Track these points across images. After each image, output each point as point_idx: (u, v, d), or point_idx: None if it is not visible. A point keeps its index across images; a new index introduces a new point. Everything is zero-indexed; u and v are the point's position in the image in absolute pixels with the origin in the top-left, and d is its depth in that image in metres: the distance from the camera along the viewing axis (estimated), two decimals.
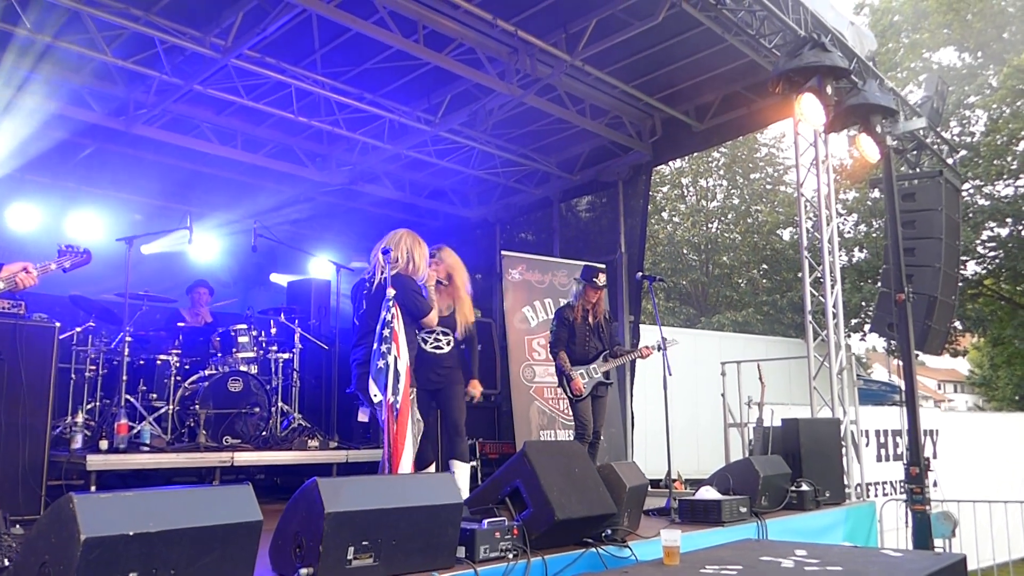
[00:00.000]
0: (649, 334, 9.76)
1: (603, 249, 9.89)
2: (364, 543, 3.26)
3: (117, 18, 6.60)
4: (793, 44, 6.34)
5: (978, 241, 18.91)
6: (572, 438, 7.04)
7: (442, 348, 5.54)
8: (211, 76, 7.44)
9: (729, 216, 26.35)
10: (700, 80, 8.54)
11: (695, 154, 24.00)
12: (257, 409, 7.36)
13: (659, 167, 16.18)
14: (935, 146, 9.10)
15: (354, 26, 6.72)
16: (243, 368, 7.48)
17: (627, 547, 4.35)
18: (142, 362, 7.41)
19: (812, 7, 6.69)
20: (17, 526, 3.52)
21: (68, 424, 6.68)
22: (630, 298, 9.58)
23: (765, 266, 25.26)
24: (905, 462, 6.02)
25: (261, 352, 7.81)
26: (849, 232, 20.65)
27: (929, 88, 8.88)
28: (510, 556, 3.78)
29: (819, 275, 7.79)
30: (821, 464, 6.75)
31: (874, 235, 19.93)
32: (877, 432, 9.59)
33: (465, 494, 4.59)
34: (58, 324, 5.96)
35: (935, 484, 8.95)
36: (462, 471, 5.42)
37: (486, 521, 3.77)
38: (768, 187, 25.90)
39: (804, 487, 6.36)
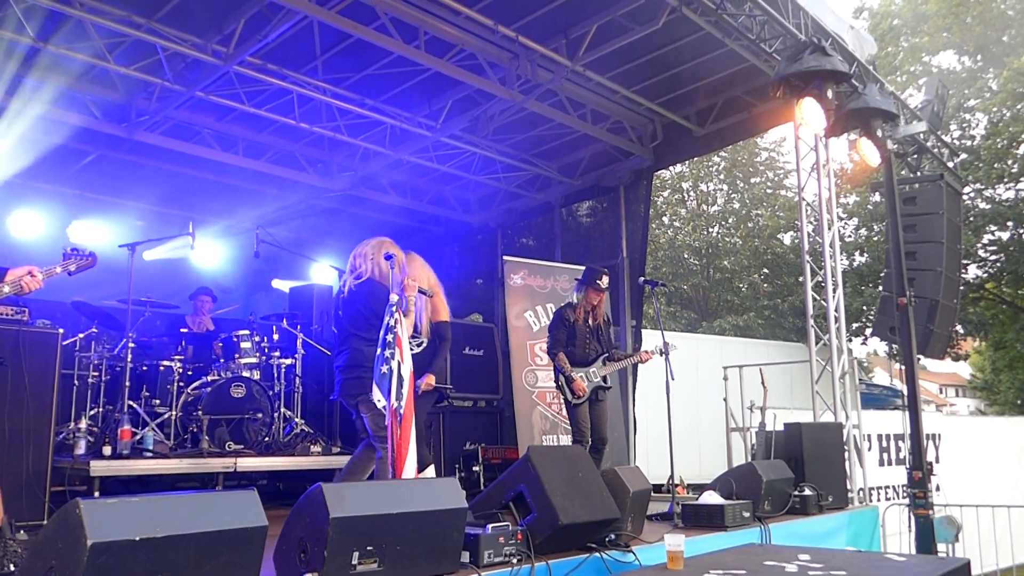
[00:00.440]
0: (651, 339, 9.77)
1: (605, 254, 9.90)
2: (369, 548, 3.26)
3: (119, 25, 6.63)
4: (793, 48, 6.35)
5: (979, 245, 18.90)
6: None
7: (414, 351, 5.52)
8: (213, 83, 7.47)
9: (730, 220, 26.36)
10: (701, 85, 8.57)
11: (696, 158, 24.05)
12: (260, 415, 7.36)
13: (660, 172, 16.19)
14: (936, 150, 9.12)
15: (355, 32, 6.74)
16: (246, 374, 7.48)
17: (631, 552, 4.34)
18: (145, 368, 7.42)
19: (812, 11, 6.72)
20: (21, 532, 3.52)
21: (71, 430, 6.69)
22: (632, 303, 9.59)
23: (766, 270, 25.27)
24: (908, 466, 6.02)
25: (263, 358, 7.81)
26: (850, 236, 20.65)
27: (929, 92, 8.90)
28: (514, 561, 3.78)
29: (820, 279, 7.80)
30: (824, 468, 6.75)
31: (875, 239, 19.94)
32: (879, 436, 9.58)
33: None
34: (61, 330, 5.96)
35: (938, 488, 8.93)
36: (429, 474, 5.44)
37: (490, 526, 3.77)
38: (769, 191, 25.91)
39: (807, 491, 6.35)
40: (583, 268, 9.13)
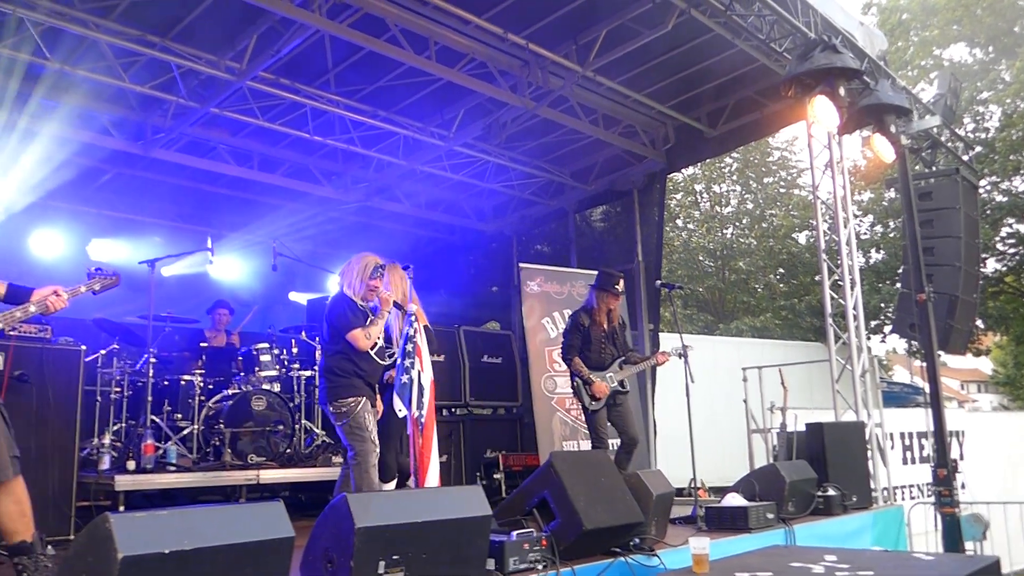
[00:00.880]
0: (668, 342, 9.74)
1: (620, 258, 9.89)
2: (395, 557, 3.27)
3: (134, 45, 6.72)
4: (804, 47, 6.35)
5: (997, 238, 18.75)
6: None
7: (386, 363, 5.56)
8: (227, 99, 7.54)
9: (744, 221, 26.27)
10: (712, 86, 8.56)
11: (708, 160, 24.00)
12: (281, 427, 7.39)
13: (673, 174, 16.18)
14: (950, 144, 9.08)
15: (366, 45, 6.79)
16: (266, 386, 7.51)
17: (655, 556, 4.35)
18: (166, 383, 7.47)
19: (821, 9, 6.71)
20: (49, 547, 3.55)
21: (95, 446, 6.74)
22: (649, 306, 9.58)
23: (782, 270, 25.15)
24: (932, 464, 5.98)
25: (283, 370, 7.85)
26: (865, 234, 20.53)
27: (942, 86, 8.86)
28: (539, 567, 3.79)
29: (838, 277, 7.76)
30: (847, 468, 6.71)
31: (891, 236, 19.82)
32: (902, 435, 9.51)
33: None
34: (84, 347, 6.03)
35: (963, 486, 8.87)
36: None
37: (515, 533, 3.79)
38: (782, 191, 25.81)
39: (831, 492, 6.32)
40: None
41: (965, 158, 9.32)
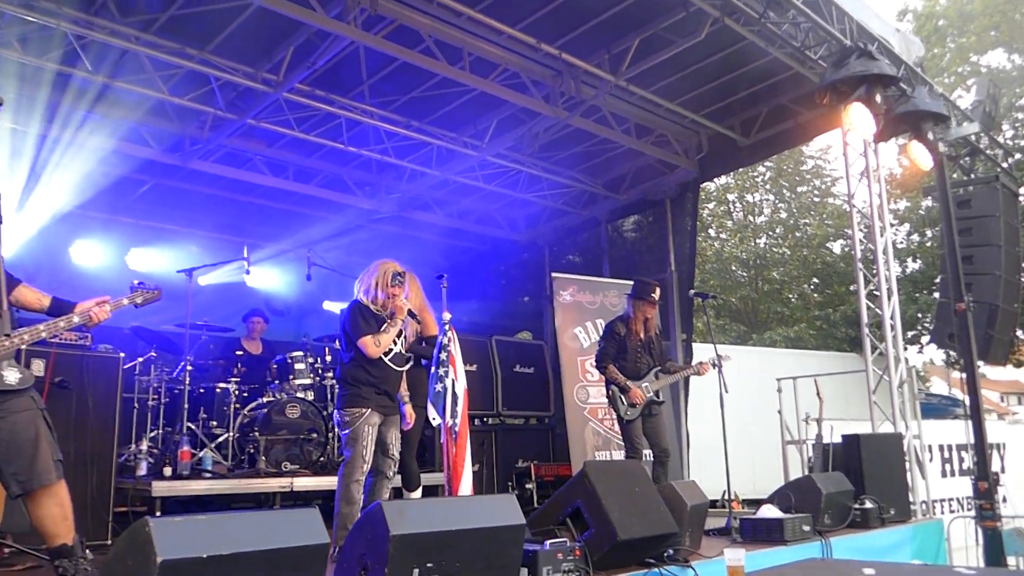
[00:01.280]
0: (700, 352, 9.68)
1: (652, 268, 9.86)
2: (429, 565, 3.27)
3: (173, 58, 6.83)
4: (839, 54, 6.31)
5: None
6: None
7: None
8: (263, 110, 7.64)
9: (777, 231, 26.06)
10: (745, 95, 8.52)
11: (741, 169, 23.84)
12: (314, 435, 7.44)
13: (705, 184, 16.09)
14: (989, 151, 8.95)
15: (401, 56, 6.85)
16: (300, 395, 7.58)
17: (690, 567, 4.30)
18: (202, 390, 7.56)
19: (857, 16, 6.66)
20: (87, 552, 3.60)
21: (133, 452, 6.84)
22: (682, 316, 9.53)
23: (816, 280, 24.89)
24: (972, 477, 5.86)
25: (317, 379, 7.90)
26: (901, 243, 20.27)
27: (980, 92, 8.74)
28: None
29: (874, 287, 7.67)
30: (884, 480, 6.61)
31: (928, 245, 19.54)
32: (941, 447, 9.33)
33: None
34: (122, 354, 6.12)
35: (1004, 500, 8.69)
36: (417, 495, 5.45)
37: (548, 542, 3.77)
38: (816, 200, 25.57)
39: (868, 504, 6.22)
40: (631, 283, 9.14)
41: (1004, 165, 9.17)
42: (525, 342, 10.49)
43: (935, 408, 17.27)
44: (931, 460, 8.60)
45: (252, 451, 7.13)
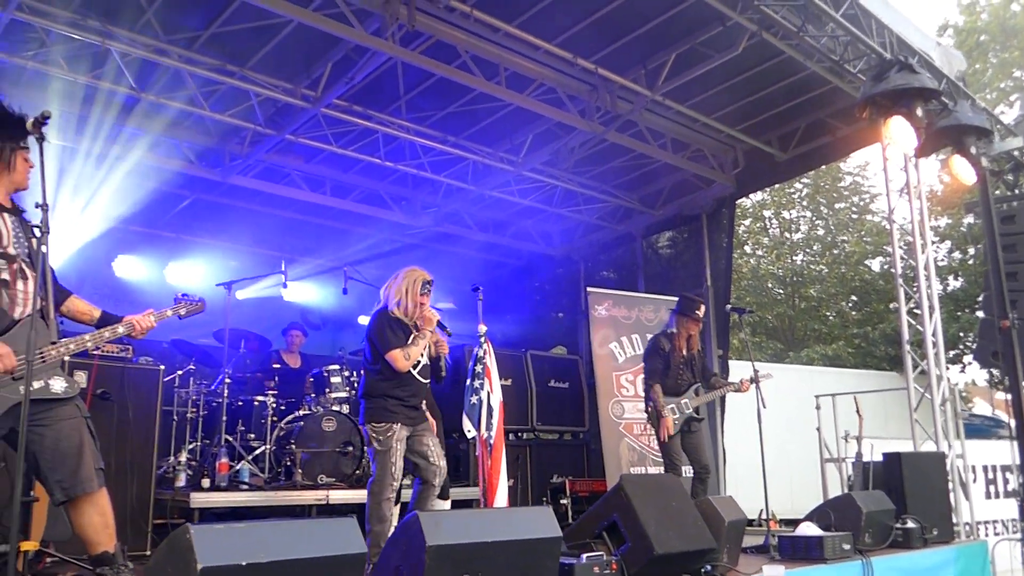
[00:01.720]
0: (737, 369, 9.59)
1: (688, 283, 9.77)
2: None
3: (214, 74, 6.95)
4: (879, 67, 6.24)
5: None
6: None
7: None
8: (302, 125, 7.74)
9: (814, 247, 25.77)
10: (782, 109, 8.45)
11: (777, 186, 23.64)
12: (350, 448, 7.47)
13: (741, 200, 15.98)
14: None
15: (437, 71, 6.90)
16: (336, 408, 7.61)
17: None
18: (240, 403, 7.62)
19: (897, 29, 6.58)
20: (128, 561, 3.63)
21: (172, 464, 6.91)
22: (718, 332, 9.44)
23: (854, 298, 24.55)
24: (1019, 499, 5.73)
25: (353, 392, 7.93)
26: (943, 260, 19.95)
27: None
28: None
29: (914, 305, 7.54)
30: (927, 500, 6.47)
31: (970, 263, 19.22)
32: (984, 467, 9.12)
33: None
34: (162, 367, 6.21)
35: None
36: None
37: (585, 556, 3.75)
38: (854, 216, 25.27)
39: (910, 524, 6.09)
40: (667, 298, 9.10)
41: None
42: (560, 357, 10.47)
43: (978, 428, 16.92)
44: (975, 481, 8.41)
45: (289, 464, 7.17)
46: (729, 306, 7.23)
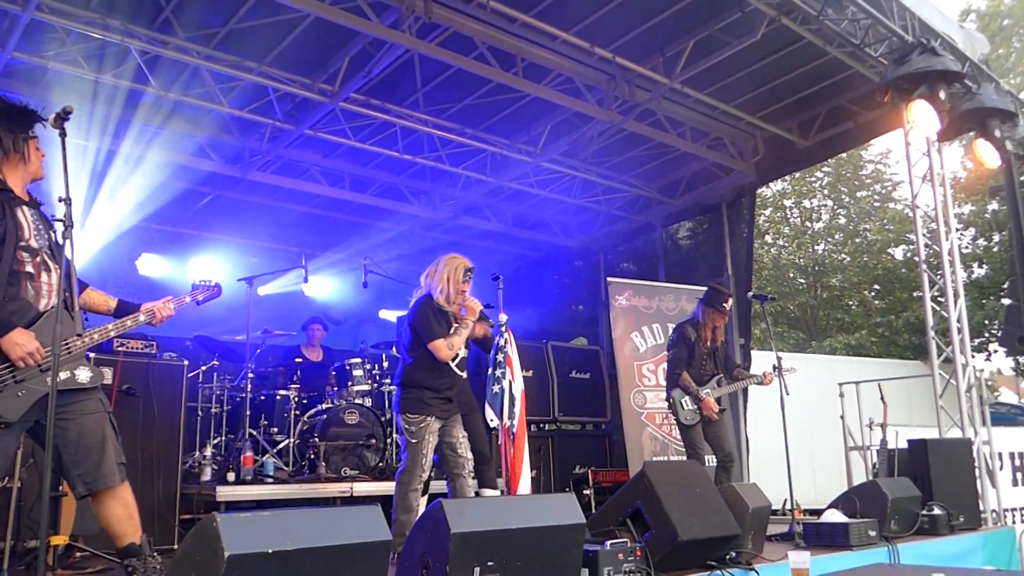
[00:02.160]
0: (758, 359, 9.54)
1: (708, 273, 9.72)
2: (489, 563, 3.26)
3: (233, 70, 6.97)
4: (901, 50, 6.17)
5: None
6: None
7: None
8: (320, 120, 7.75)
9: (836, 236, 25.57)
10: (802, 96, 8.37)
11: (797, 175, 23.46)
12: (373, 441, 7.51)
13: (760, 190, 15.87)
14: None
15: (455, 63, 6.89)
16: (358, 401, 7.66)
17: (753, 570, 4.23)
18: (263, 398, 7.68)
19: (919, 12, 6.50)
20: (155, 553, 3.67)
21: (197, 459, 6.97)
22: (740, 320, 9.38)
23: (877, 286, 24.35)
24: None
25: (375, 385, 7.98)
26: (966, 247, 19.74)
27: None
28: None
29: (937, 293, 7.46)
30: (953, 487, 6.41)
31: (994, 249, 19.00)
32: (1012, 455, 9.03)
33: None
34: (186, 362, 6.26)
35: None
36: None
37: (609, 542, 3.74)
38: (876, 204, 25.05)
39: (936, 511, 6.04)
40: (688, 287, 9.08)
41: None
42: (581, 348, 10.46)
43: (1004, 417, 16.77)
44: (1001, 468, 8.33)
45: (312, 457, 7.22)
46: (751, 294, 7.18)
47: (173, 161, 7.99)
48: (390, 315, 10.78)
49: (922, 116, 6.12)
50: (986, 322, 18.91)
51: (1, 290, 3.22)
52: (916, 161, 7.73)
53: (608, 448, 9.36)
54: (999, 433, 8.13)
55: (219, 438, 7.35)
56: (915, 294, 20.93)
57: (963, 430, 7.16)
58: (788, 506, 6.21)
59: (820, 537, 5.23)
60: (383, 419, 7.76)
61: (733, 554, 4.24)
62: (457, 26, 6.49)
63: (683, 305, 9.11)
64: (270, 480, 6.86)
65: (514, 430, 4.23)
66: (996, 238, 18.98)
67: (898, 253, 23.59)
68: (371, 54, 6.84)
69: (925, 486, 6.22)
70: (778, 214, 26.11)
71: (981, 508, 6.84)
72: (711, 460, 6.68)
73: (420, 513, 4.39)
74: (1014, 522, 8.18)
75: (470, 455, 4.91)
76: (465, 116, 8.32)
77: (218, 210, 9.53)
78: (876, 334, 21.62)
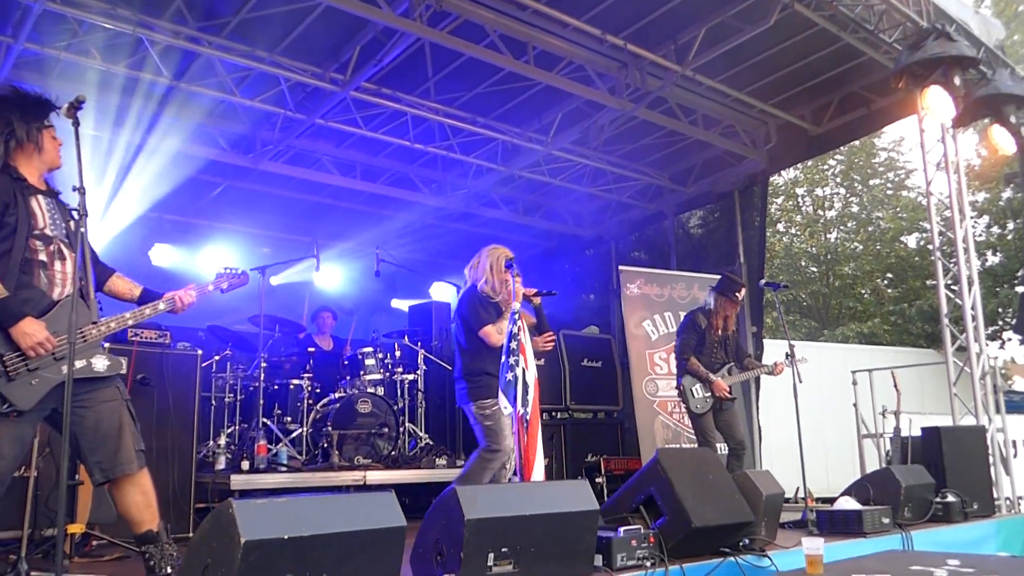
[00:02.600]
0: (771, 347, 9.52)
1: (720, 261, 9.70)
2: (504, 550, 3.28)
3: (244, 60, 6.97)
4: (915, 36, 6.13)
5: None
6: None
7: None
8: (331, 109, 7.75)
9: (849, 225, 25.45)
10: (815, 83, 8.32)
11: (809, 163, 23.33)
12: (386, 429, 7.54)
13: (772, 179, 15.78)
14: None
15: (466, 51, 6.87)
16: (371, 390, 7.68)
17: (766, 557, 4.23)
18: (276, 387, 7.72)
19: None
20: (172, 543, 3.69)
21: (211, 448, 7.02)
22: (752, 309, 9.36)
23: (890, 275, 24.24)
24: None
25: (387, 374, 8.01)
26: (980, 236, 19.61)
27: None
28: (647, 564, 3.73)
29: (950, 281, 7.41)
30: (967, 474, 6.39)
31: (1008, 238, 18.87)
32: None
33: None
34: (200, 352, 6.28)
35: None
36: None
37: (622, 529, 3.75)
38: (889, 192, 24.91)
39: (950, 498, 6.03)
40: (699, 275, 9.05)
41: None
42: (593, 336, 10.45)
43: (1018, 405, 16.67)
44: (1015, 456, 8.29)
45: (325, 445, 7.25)
46: (763, 281, 7.16)
47: (185, 151, 7.99)
48: (402, 304, 10.81)
49: (937, 102, 6.08)
50: (999, 310, 18.81)
51: (13, 279, 3.23)
52: (930, 148, 7.68)
53: (620, 436, 9.36)
54: (1013, 421, 8.10)
55: (233, 427, 7.39)
56: (928, 282, 20.82)
57: (977, 417, 7.14)
58: (800, 494, 6.20)
59: (833, 524, 5.22)
60: (395, 408, 7.79)
61: (746, 541, 4.24)
62: (468, 14, 6.47)
63: (695, 293, 9.09)
64: (284, 469, 6.89)
65: (528, 418, 4.23)
66: (1010, 226, 18.86)
67: (911, 241, 23.48)
68: (382, 43, 6.83)
69: (939, 474, 6.20)
70: (790, 202, 26.00)
71: (995, 495, 6.82)
72: (722, 448, 6.67)
73: None
74: None
75: (511, 447, 4.95)
76: (476, 105, 8.30)
77: (230, 200, 9.55)
78: (888, 322, 21.53)
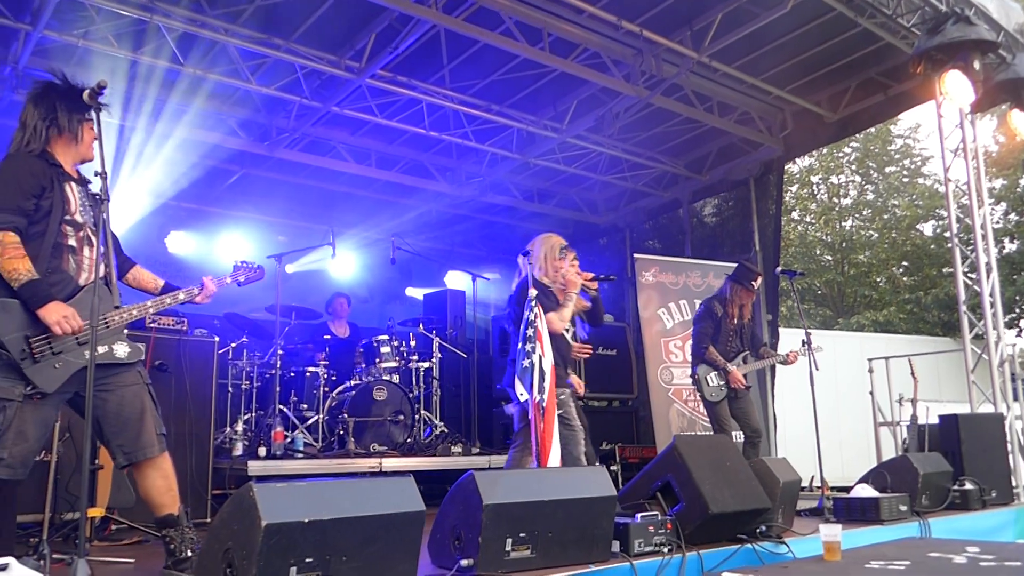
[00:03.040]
0: (786, 335, 9.48)
1: (735, 249, 9.66)
2: (521, 535, 3.30)
3: (260, 47, 6.98)
4: (934, 20, 6.07)
5: None
6: None
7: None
8: (346, 97, 7.76)
9: (864, 213, 25.29)
10: (832, 68, 8.25)
11: (824, 151, 23.19)
12: (401, 417, 7.57)
13: (787, 166, 15.68)
14: None
15: (482, 38, 6.86)
16: (386, 378, 7.71)
17: (784, 543, 4.23)
18: (292, 374, 7.76)
19: None
20: (192, 527, 3.72)
21: (228, 434, 7.06)
22: (767, 297, 9.32)
23: (906, 263, 24.10)
24: None
25: (403, 362, 8.03)
26: (998, 223, 19.46)
27: None
28: (665, 550, 3.74)
29: (968, 268, 7.36)
30: (985, 462, 6.35)
31: None
32: None
33: None
34: (217, 339, 6.32)
35: None
36: None
37: (639, 515, 3.75)
38: (905, 180, 24.73)
39: (968, 486, 5.99)
40: (714, 263, 9.03)
41: None
42: (607, 324, 10.43)
43: None
44: None
45: (341, 432, 7.29)
46: (780, 268, 7.13)
47: (201, 139, 8.03)
48: (417, 292, 10.83)
49: (956, 87, 6.02)
50: (1017, 298, 18.69)
51: (44, 262, 3.28)
52: (948, 133, 7.60)
53: (635, 424, 9.37)
54: None
55: (250, 414, 7.43)
56: (944, 270, 20.70)
57: (995, 405, 7.09)
58: (816, 483, 6.19)
59: (850, 512, 5.21)
60: (411, 395, 7.82)
61: (764, 527, 4.24)
62: (483, 1, 6.45)
63: (710, 281, 9.06)
64: (300, 455, 6.94)
65: (544, 404, 4.24)
66: None
67: (927, 229, 23.33)
68: (397, 30, 6.82)
69: (956, 461, 6.16)
70: (805, 190, 25.86)
71: (1013, 483, 6.78)
72: (738, 436, 6.67)
73: None
74: None
75: (586, 423, 5.11)
76: (491, 92, 8.29)
77: (245, 188, 9.58)
78: (904, 311, 21.43)
